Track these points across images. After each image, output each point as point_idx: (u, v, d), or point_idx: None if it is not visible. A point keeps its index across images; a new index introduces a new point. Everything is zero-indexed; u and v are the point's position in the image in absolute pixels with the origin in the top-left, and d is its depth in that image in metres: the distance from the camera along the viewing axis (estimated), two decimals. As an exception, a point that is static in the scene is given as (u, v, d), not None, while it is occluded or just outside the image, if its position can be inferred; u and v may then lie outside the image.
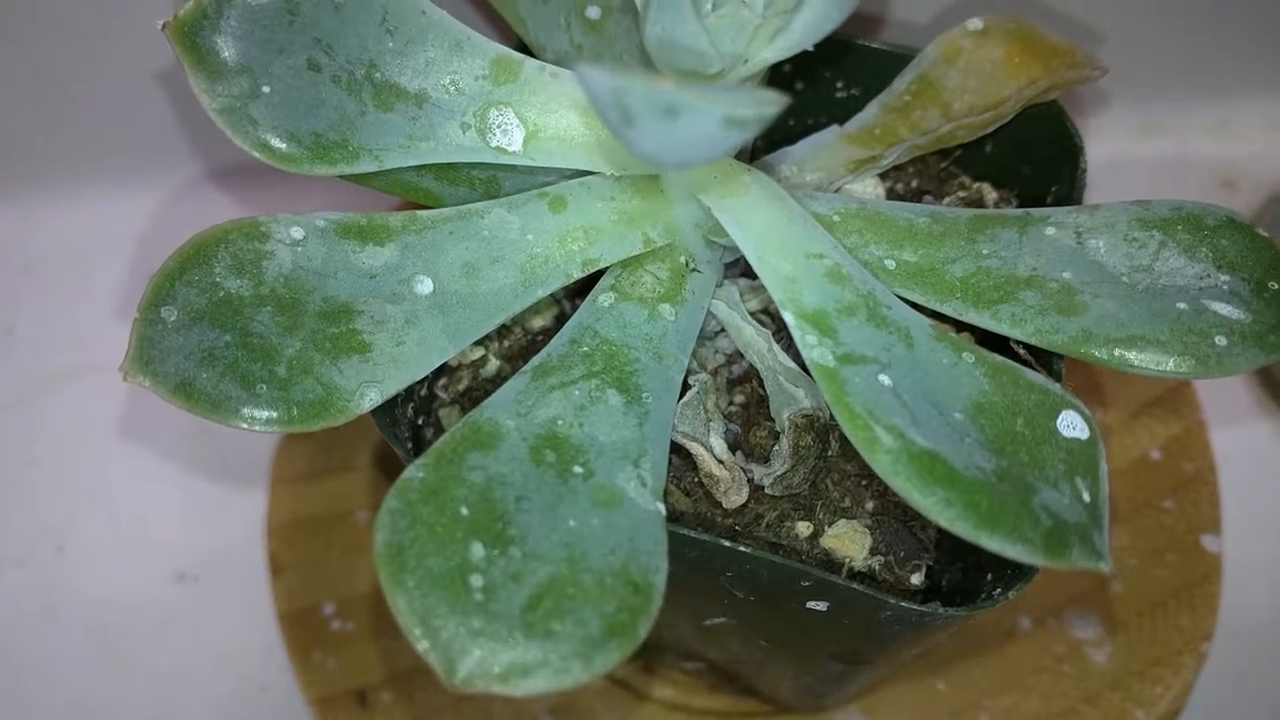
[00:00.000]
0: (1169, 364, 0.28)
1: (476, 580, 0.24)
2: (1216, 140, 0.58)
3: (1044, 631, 0.45)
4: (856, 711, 0.44)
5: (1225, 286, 0.29)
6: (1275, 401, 0.50)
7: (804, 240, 0.29)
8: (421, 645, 0.23)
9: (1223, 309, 0.29)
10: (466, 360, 0.35)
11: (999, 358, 0.29)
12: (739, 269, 0.37)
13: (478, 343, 0.35)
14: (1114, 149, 0.57)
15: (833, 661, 0.36)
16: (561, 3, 0.35)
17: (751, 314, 0.35)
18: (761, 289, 0.36)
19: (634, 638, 0.24)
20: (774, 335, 0.34)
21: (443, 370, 0.35)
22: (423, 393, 0.35)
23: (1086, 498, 0.26)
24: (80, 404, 0.52)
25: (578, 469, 0.27)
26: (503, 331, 0.36)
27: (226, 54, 0.28)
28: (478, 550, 0.24)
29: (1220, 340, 0.28)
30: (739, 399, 0.35)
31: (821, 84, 0.40)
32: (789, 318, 0.28)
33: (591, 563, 0.25)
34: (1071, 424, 0.27)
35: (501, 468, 0.26)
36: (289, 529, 0.47)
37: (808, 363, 0.27)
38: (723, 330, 0.36)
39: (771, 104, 0.21)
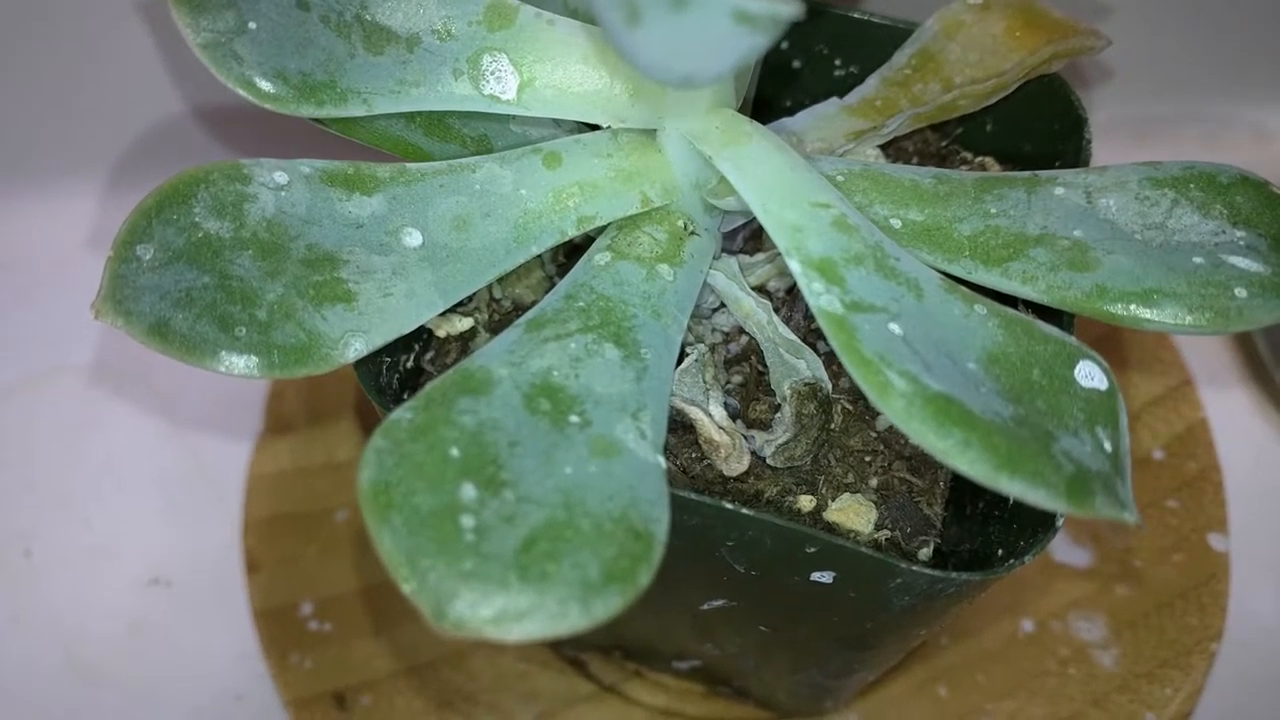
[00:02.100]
0: (1188, 318, 0.27)
1: (467, 521, 0.22)
2: (1205, 152, 0.57)
3: (1048, 634, 0.44)
4: (856, 718, 0.42)
5: (1241, 242, 0.29)
6: (1271, 400, 0.49)
7: (809, 189, 0.28)
8: (408, 586, 0.21)
9: (1240, 262, 0.28)
10: (454, 331, 0.34)
11: (1012, 310, 0.28)
12: (736, 244, 0.36)
13: (466, 314, 0.34)
14: (1102, 161, 0.56)
15: (835, 648, 0.34)
16: (555, -32, 0.34)
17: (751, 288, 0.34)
18: (759, 265, 0.35)
19: (635, 585, 0.23)
20: (773, 309, 0.33)
21: (429, 343, 0.34)
22: (408, 365, 0.33)
23: (1108, 447, 0.25)
24: (53, 406, 0.50)
25: (574, 418, 0.26)
26: (492, 305, 0.35)
27: (211, -13, 0.27)
28: (469, 491, 0.23)
29: (1240, 292, 0.27)
30: (736, 378, 0.34)
31: (819, 62, 0.39)
32: (795, 266, 0.27)
33: (590, 508, 0.23)
34: (1090, 374, 0.26)
35: (494, 413, 0.25)
36: (266, 526, 0.45)
37: (815, 310, 0.26)
38: (720, 308, 0.35)
39: (786, 3, 0.20)
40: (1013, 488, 0.23)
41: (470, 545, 0.22)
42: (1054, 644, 0.44)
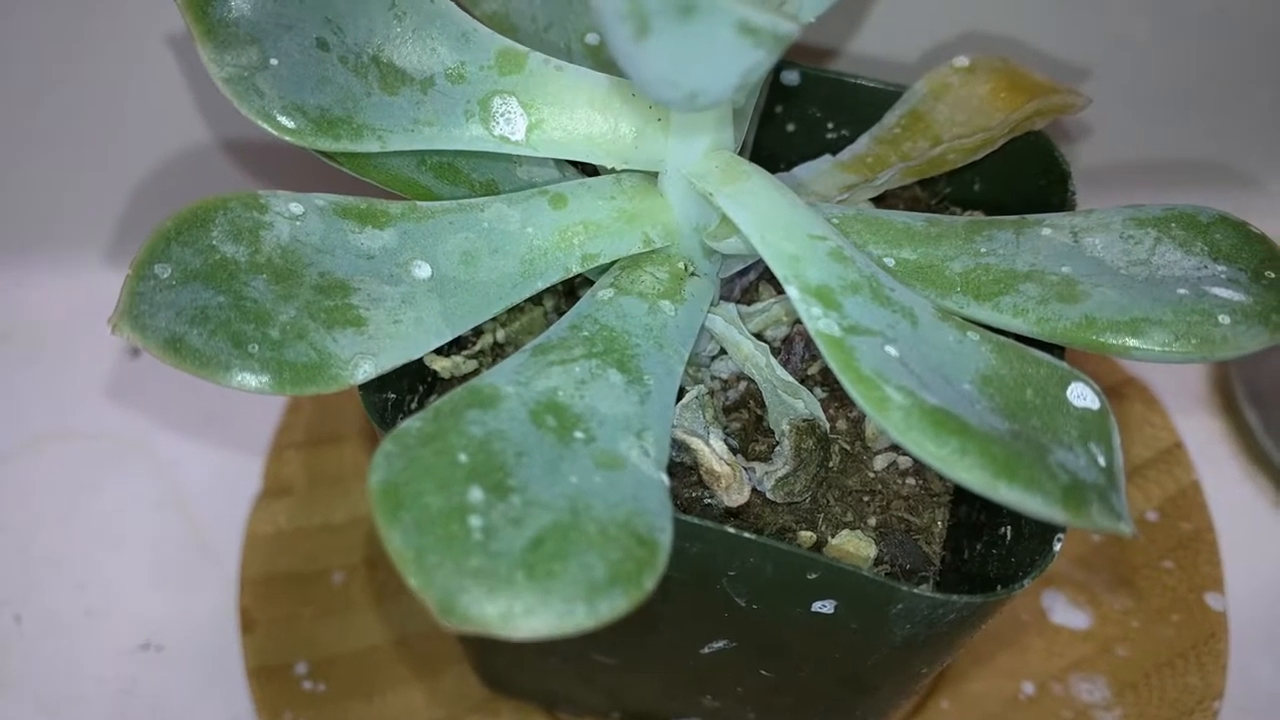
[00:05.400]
0: (1175, 345, 0.28)
1: (475, 521, 0.23)
2: (1184, 201, 0.58)
3: (1049, 697, 0.44)
4: (856, 782, 0.42)
5: (1223, 275, 0.30)
6: (1262, 470, 0.49)
7: (806, 223, 0.29)
8: (415, 581, 0.22)
9: (1223, 293, 0.29)
10: (459, 373, 0.34)
11: (1003, 337, 0.29)
12: (734, 295, 0.37)
13: (470, 356, 0.35)
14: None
15: (837, 691, 0.34)
16: (561, 30, 0.36)
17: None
18: (756, 314, 0.36)
19: (640, 588, 0.23)
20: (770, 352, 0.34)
21: (434, 384, 0.35)
22: (412, 406, 0.34)
23: (1102, 462, 0.26)
24: (50, 471, 0.50)
25: (579, 434, 0.26)
26: (495, 349, 0.35)
27: (236, 25, 0.28)
28: (476, 494, 0.23)
29: (1224, 319, 0.28)
30: (734, 424, 0.35)
31: (812, 125, 0.40)
32: (793, 292, 0.28)
33: (595, 513, 0.24)
34: (1081, 394, 0.27)
35: (501, 425, 0.25)
36: (262, 586, 0.45)
37: (813, 334, 0.27)
38: (718, 355, 0.36)
39: (787, 20, 0.21)
40: (1010, 495, 0.24)
41: (478, 544, 0.22)
42: (1056, 706, 0.43)
